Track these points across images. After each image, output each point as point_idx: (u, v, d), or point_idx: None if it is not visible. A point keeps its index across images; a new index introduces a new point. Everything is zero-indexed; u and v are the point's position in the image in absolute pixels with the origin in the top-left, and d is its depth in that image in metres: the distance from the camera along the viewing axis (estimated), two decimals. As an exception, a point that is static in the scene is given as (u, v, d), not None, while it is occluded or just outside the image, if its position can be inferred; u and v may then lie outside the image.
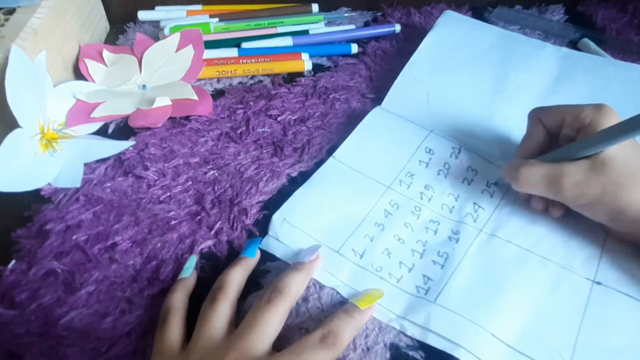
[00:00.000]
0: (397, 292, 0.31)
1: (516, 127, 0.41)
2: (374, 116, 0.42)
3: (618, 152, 0.29)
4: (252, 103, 0.45)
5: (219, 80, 0.48)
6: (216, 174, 0.39)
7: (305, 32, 0.53)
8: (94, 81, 0.45)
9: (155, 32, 0.53)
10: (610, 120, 0.31)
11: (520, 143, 0.36)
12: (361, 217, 0.35)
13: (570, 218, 0.33)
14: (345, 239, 0.33)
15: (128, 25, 0.55)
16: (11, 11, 0.40)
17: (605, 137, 0.29)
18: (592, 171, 0.29)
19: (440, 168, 0.38)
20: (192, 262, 0.32)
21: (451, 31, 0.49)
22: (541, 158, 0.33)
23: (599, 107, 0.31)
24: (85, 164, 0.39)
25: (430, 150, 0.39)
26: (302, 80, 0.48)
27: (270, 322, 0.27)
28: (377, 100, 0.45)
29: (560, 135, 0.33)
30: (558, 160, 0.31)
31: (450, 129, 0.41)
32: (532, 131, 0.35)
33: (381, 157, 0.39)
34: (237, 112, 0.44)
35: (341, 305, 0.30)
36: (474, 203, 0.36)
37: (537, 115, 0.35)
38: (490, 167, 0.38)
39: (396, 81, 0.45)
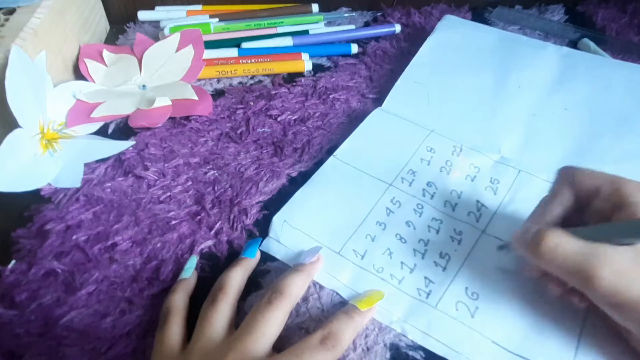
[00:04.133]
0: (398, 294, 0.31)
1: (517, 126, 0.41)
2: (375, 117, 0.42)
3: None
4: (252, 103, 0.45)
5: (219, 80, 0.48)
6: (216, 174, 0.39)
7: (305, 32, 0.53)
8: (94, 81, 0.45)
9: (155, 32, 0.53)
10: None
11: (538, 205, 0.30)
12: (362, 216, 0.35)
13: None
14: (346, 240, 0.33)
15: (128, 25, 0.55)
16: (11, 11, 0.40)
17: None
18: (637, 261, 0.23)
19: (442, 165, 0.38)
20: (192, 262, 0.32)
21: (451, 34, 0.49)
22: (568, 231, 0.26)
23: None
24: (85, 164, 0.39)
25: (431, 149, 0.39)
26: (302, 80, 0.48)
27: (271, 324, 0.27)
28: (377, 100, 0.45)
29: (591, 207, 0.27)
30: (591, 239, 0.25)
31: (451, 128, 0.41)
32: (559, 193, 0.28)
33: (382, 155, 0.39)
34: (237, 112, 0.44)
35: (341, 305, 0.30)
36: (477, 201, 0.36)
37: (568, 177, 0.29)
38: (492, 165, 0.38)
39: (396, 84, 0.45)
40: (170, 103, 0.43)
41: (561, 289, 0.27)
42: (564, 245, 0.24)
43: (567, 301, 0.28)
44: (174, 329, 0.28)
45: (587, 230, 0.26)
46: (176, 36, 0.49)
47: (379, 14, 0.58)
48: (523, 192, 0.36)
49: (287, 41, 0.52)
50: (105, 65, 0.47)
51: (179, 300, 0.29)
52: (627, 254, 0.24)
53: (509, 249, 0.30)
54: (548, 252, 0.25)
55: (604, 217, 0.26)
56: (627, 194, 0.25)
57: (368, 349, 0.28)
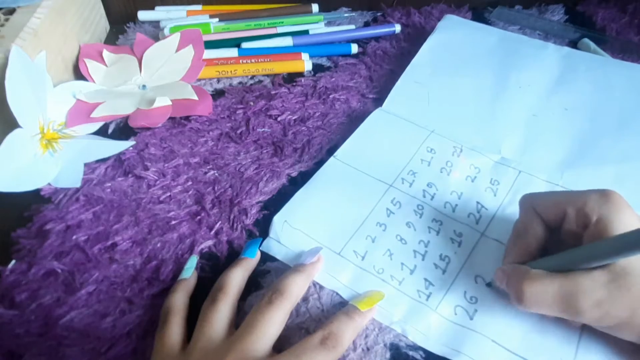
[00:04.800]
0: (398, 295, 0.31)
1: (518, 126, 0.41)
2: (375, 117, 0.42)
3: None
4: (252, 103, 0.45)
5: (219, 80, 0.48)
6: (216, 174, 0.39)
7: (305, 32, 0.53)
8: (94, 81, 0.45)
9: (155, 32, 0.53)
10: (623, 213, 0.25)
11: (512, 238, 0.30)
12: (363, 217, 0.35)
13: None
14: (346, 241, 0.33)
15: (128, 25, 0.55)
16: (11, 11, 0.40)
17: (627, 244, 0.23)
18: (613, 285, 0.24)
19: (442, 166, 0.38)
20: (192, 262, 0.32)
21: (452, 34, 0.49)
22: (543, 262, 0.27)
23: (606, 197, 0.26)
24: (85, 164, 0.39)
25: (431, 149, 0.39)
26: (302, 80, 0.48)
27: (271, 324, 0.27)
28: (377, 100, 0.45)
29: (563, 229, 0.28)
30: (565, 266, 0.26)
31: (451, 129, 0.41)
32: (528, 226, 0.29)
33: (382, 156, 0.39)
34: (237, 112, 0.44)
35: (341, 305, 0.30)
36: (477, 202, 0.36)
37: (530, 206, 0.29)
38: (493, 165, 0.38)
39: (397, 84, 0.45)
40: (170, 103, 0.43)
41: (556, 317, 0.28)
42: (543, 293, 0.25)
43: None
44: (174, 329, 0.28)
45: (562, 257, 0.26)
46: (176, 36, 0.49)
47: (379, 14, 0.58)
48: (523, 193, 0.36)
49: (287, 41, 0.52)
50: (105, 65, 0.47)
51: (179, 300, 0.29)
52: (603, 279, 0.24)
53: (496, 286, 0.30)
54: (532, 303, 0.26)
55: (576, 236, 0.27)
56: (590, 212, 0.26)
57: (368, 349, 0.28)
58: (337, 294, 0.31)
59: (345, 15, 0.56)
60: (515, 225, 0.31)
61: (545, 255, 0.28)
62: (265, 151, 0.41)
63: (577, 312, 0.25)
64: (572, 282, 0.25)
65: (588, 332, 0.28)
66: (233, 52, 0.50)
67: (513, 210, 0.35)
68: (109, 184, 0.38)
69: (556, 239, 0.28)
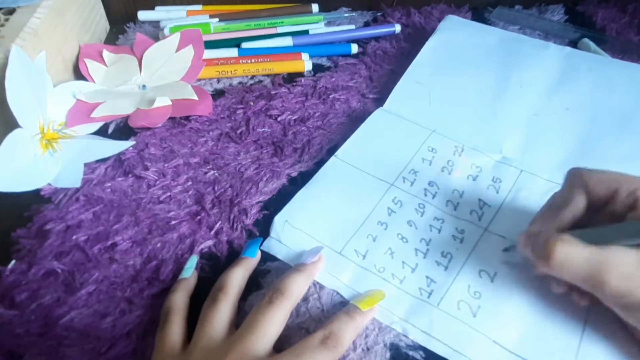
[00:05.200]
0: (399, 294, 0.31)
1: (519, 126, 0.41)
2: (376, 117, 0.42)
3: None
4: (252, 103, 0.45)
5: (219, 80, 0.48)
6: (216, 174, 0.39)
7: (305, 32, 0.53)
8: (94, 81, 0.45)
9: (155, 32, 0.53)
10: None
11: (546, 208, 0.29)
12: (364, 216, 0.35)
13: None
14: (347, 240, 0.33)
15: (128, 25, 0.55)
16: (11, 11, 0.40)
17: None
18: None
19: (444, 165, 0.38)
20: (192, 262, 0.32)
21: (453, 35, 0.49)
22: (577, 234, 0.26)
23: None
24: (85, 164, 0.39)
25: (433, 149, 0.39)
26: (302, 80, 0.48)
27: (271, 323, 0.27)
28: (378, 100, 0.45)
29: (606, 209, 0.27)
30: (601, 241, 0.25)
31: (452, 128, 0.41)
32: (570, 197, 0.28)
33: (384, 155, 0.39)
34: (237, 112, 0.44)
35: (341, 305, 0.30)
36: (479, 199, 0.36)
37: (581, 179, 0.28)
38: (494, 165, 0.38)
39: (398, 84, 0.45)
40: (170, 103, 0.43)
41: (563, 288, 0.27)
42: (573, 255, 0.25)
43: (568, 299, 0.28)
44: (175, 328, 0.28)
45: (596, 231, 0.26)
46: (176, 36, 0.49)
47: (379, 14, 0.58)
48: (525, 192, 0.36)
49: (287, 41, 0.52)
50: (105, 65, 0.47)
51: (179, 300, 0.29)
52: (633, 257, 0.24)
53: (515, 251, 0.29)
54: (559, 264, 0.25)
55: (617, 218, 0.26)
56: None
57: (368, 349, 0.28)
58: (338, 293, 0.31)
59: (345, 15, 0.56)
60: (554, 197, 0.30)
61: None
62: (265, 151, 0.41)
63: (602, 284, 0.24)
64: (605, 254, 0.24)
65: (589, 332, 0.28)
66: (233, 52, 0.50)
67: (516, 206, 0.35)
68: (109, 184, 0.38)
69: (593, 221, 0.28)
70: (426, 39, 0.49)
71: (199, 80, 0.48)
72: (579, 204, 0.27)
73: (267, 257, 0.33)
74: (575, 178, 0.28)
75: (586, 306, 0.28)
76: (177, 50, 0.48)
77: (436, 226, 0.34)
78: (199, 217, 0.35)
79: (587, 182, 0.27)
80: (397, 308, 0.30)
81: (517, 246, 0.29)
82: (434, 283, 0.31)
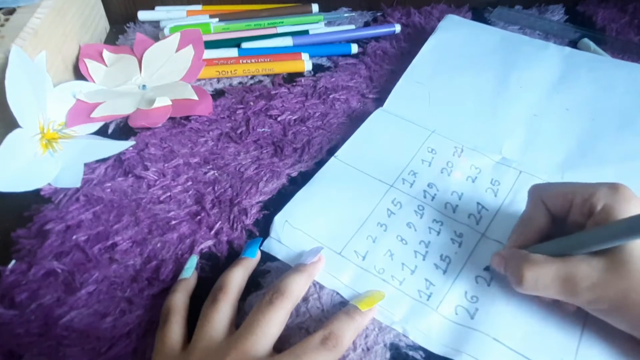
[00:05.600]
0: (399, 295, 0.31)
1: (519, 126, 0.41)
2: (376, 117, 0.42)
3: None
4: (252, 103, 0.45)
5: (219, 80, 0.48)
6: (216, 174, 0.39)
7: (305, 32, 0.53)
8: (94, 81, 0.45)
9: (155, 32, 0.53)
10: (629, 205, 0.26)
11: (516, 226, 0.31)
12: (364, 217, 0.35)
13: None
14: (347, 241, 0.33)
15: (128, 25, 0.55)
16: (11, 11, 0.40)
17: (626, 229, 0.23)
18: (609, 272, 0.25)
19: (443, 167, 0.38)
20: (192, 262, 0.32)
21: (453, 34, 0.49)
22: (544, 247, 0.28)
23: (615, 189, 0.26)
24: (85, 164, 0.39)
25: (432, 150, 0.39)
26: (302, 80, 0.48)
27: (272, 323, 0.27)
28: (378, 100, 0.45)
29: (568, 220, 0.28)
30: (564, 251, 0.26)
31: (452, 129, 0.41)
32: (533, 214, 0.30)
33: (383, 156, 0.39)
34: (237, 112, 0.44)
35: (341, 305, 0.30)
36: (478, 203, 0.36)
37: (538, 195, 0.30)
38: (493, 166, 0.38)
39: (398, 84, 0.45)
40: (170, 103, 0.43)
41: (551, 300, 0.28)
42: (541, 275, 0.26)
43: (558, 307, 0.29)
44: (175, 328, 0.28)
45: (558, 242, 0.27)
46: (176, 36, 0.49)
47: (379, 14, 0.58)
48: (524, 193, 0.35)
49: (287, 41, 0.52)
50: (105, 65, 0.47)
51: (179, 300, 0.29)
52: (600, 264, 0.25)
53: (492, 270, 0.31)
54: (531, 286, 0.27)
55: (580, 227, 0.27)
56: (596, 202, 0.26)
57: (368, 349, 0.28)
58: (338, 293, 0.31)
59: (345, 15, 0.56)
60: (522, 214, 0.31)
61: None
62: (265, 151, 0.41)
63: (573, 294, 0.25)
64: (570, 266, 0.25)
65: (589, 331, 0.28)
66: (233, 52, 0.50)
67: (514, 210, 0.35)
68: (109, 184, 0.38)
69: (561, 232, 0.28)
70: (426, 39, 0.49)
71: (199, 80, 0.48)
72: (541, 219, 0.29)
73: (267, 257, 0.33)
74: (534, 194, 0.30)
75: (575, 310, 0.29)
76: (177, 50, 0.48)
77: (435, 228, 0.34)
78: (199, 217, 0.36)
79: (544, 197, 0.29)
80: (397, 309, 0.30)
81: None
82: (433, 286, 0.31)
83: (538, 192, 0.30)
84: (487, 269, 0.31)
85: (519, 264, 0.27)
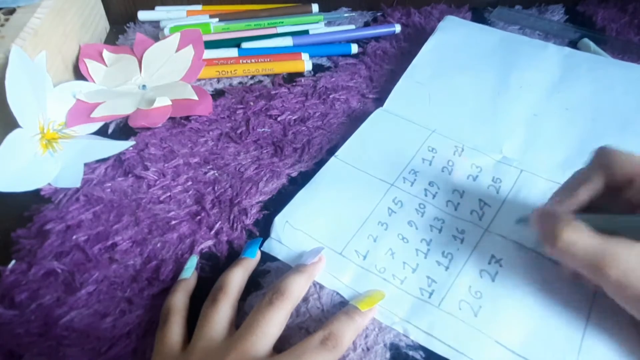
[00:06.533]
0: (400, 294, 0.31)
1: (519, 126, 0.41)
2: (376, 117, 0.42)
3: None
4: (252, 103, 0.45)
5: (219, 80, 0.48)
6: (216, 174, 0.39)
7: (305, 32, 0.53)
8: (94, 81, 0.45)
9: (155, 32, 0.53)
10: None
11: (566, 183, 0.29)
12: (364, 216, 0.35)
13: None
14: (348, 240, 0.33)
15: (128, 25, 0.55)
16: (11, 11, 0.40)
17: None
18: None
19: (444, 165, 0.38)
20: (192, 262, 0.32)
21: (453, 35, 0.49)
22: (589, 217, 0.26)
23: None
24: (85, 164, 0.39)
25: (433, 149, 0.39)
26: (302, 80, 0.48)
27: (272, 324, 0.27)
28: (378, 100, 0.45)
29: (624, 195, 0.26)
30: (611, 230, 0.25)
31: (453, 128, 0.41)
32: (589, 176, 0.27)
33: (384, 155, 0.39)
34: (237, 112, 0.44)
35: (341, 305, 0.30)
36: (480, 200, 0.35)
37: (603, 160, 0.27)
38: (494, 165, 0.38)
39: (398, 84, 0.45)
40: (170, 103, 0.43)
41: (573, 274, 0.27)
42: (578, 243, 0.25)
43: (576, 285, 0.28)
44: (175, 329, 0.28)
45: (607, 219, 0.26)
46: (176, 36, 0.49)
47: (379, 14, 0.58)
48: (525, 192, 0.36)
49: (287, 41, 0.52)
50: (105, 65, 0.47)
51: (179, 300, 0.29)
52: (637, 251, 0.24)
53: (527, 224, 0.29)
54: (563, 249, 0.25)
55: (633, 206, 0.26)
56: None
57: (368, 349, 0.28)
58: (338, 293, 0.31)
59: (345, 15, 0.56)
60: (575, 173, 0.29)
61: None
62: (265, 151, 0.41)
63: (603, 275, 0.24)
64: (610, 245, 0.24)
65: (591, 332, 0.28)
66: (233, 52, 0.50)
67: (517, 206, 0.35)
68: (109, 184, 0.38)
69: (609, 205, 0.27)
70: (426, 39, 0.49)
71: (199, 80, 0.48)
72: (597, 183, 0.27)
73: (267, 257, 0.33)
74: (601, 156, 0.28)
75: (589, 305, 0.28)
76: (177, 50, 0.48)
77: (437, 226, 0.34)
78: (199, 217, 0.36)
79: (610, 162, 0.27)
80: (398, 308, 0.30)
81: (529, 219, 0.28)
82: (435, 283, 0.31)
83: (603, 156, 0.27)
84: (519, 221, 0.30)
85: (558, 223, 0.25)
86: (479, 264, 0.32)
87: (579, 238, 0.25)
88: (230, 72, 0.48)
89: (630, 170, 0.26)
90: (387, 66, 0.50)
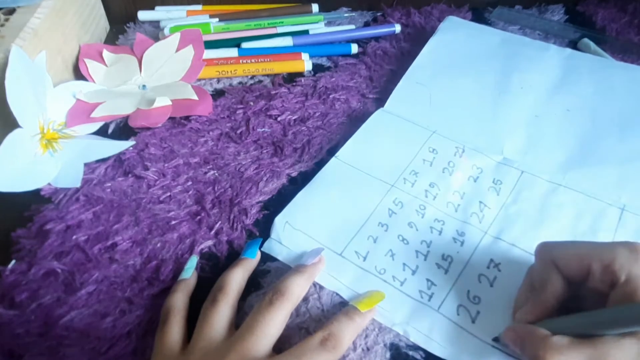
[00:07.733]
0: (400, 296, 0.31)
1: (520, 127, 0.41)
2: (377, 118, 0.42)
3: None
4: (252, 103, 0.45)
5: (219, 80, 0.48)
6: (216, 174, 0.39)
7: (305, 32, 0.53)
8: (94, 81, 0.45)
9: (155, 32, 0.53)
10: None
11: (525, 290, 0.28)
12: (365, 217, 0.35)
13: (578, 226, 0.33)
14: (348, 241, 0.33)
15: (128, 25, 0.55)
16: (11, 11, 0.40)
17: None
18: None
19: (444, 166, 0.38)
20: (192, 262, 0.32)
21: (453, 35, 0.49)
22: (563, 323, 0.24)
23: (636, 253, 0.24)
24: (85, 164, 0.39)
25: (434, 150, 0.39)
26: (302, 80, 0.48)
27: (271, 324, 0.27)
28: (377, 100, 0.45)
29: (586, 287, 0.25)
30: (589, 330, 0.23)
31: (453, 129, 0.41)
32: (546, 279, 0.26)
33: (384, 156, 0.39)
34: (237, 112, 0.44)
35: (341, 305, 0.30)
36: (480, 202, 0.35)
37: (549, 257, 0.27)
38: (495, 166, 0.38)
39: (398, 85, 0.45)
40: (170, 103, 0.43)
41: None
42: (568, 358, 0.23)
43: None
44: (175, 329, 0.28)
45: (586, 319, 0.24)
46: (176, 36, 0.49)
47: (379, 14, 0.58)
48: (526, 193, 0.36)
49: (287, 41, 0.52)
50: (105, 65, 0.47)
51: (179, 300, 0.29)
52: (634, 349, 0.22)
53: (505, 345, 0.27)
54: None
55: (601, 294, 0.25)
56: (618, 270, 0.24)
57: (368, 349, 0.28)
58: (337, 294, 0.31)
59: (345, 15, 0.56)
60: (530, 274, 0.29)
61: (562, 310, 0.25)
62: (265, 151, 0.41)
63: None
64: (600, 351, 0.22)
65: None
66: (233, 52, 0.50)
67: (517, 209, 0.35)
68: (109, 184, 0.38)
69: (576, 294, 0.26)
70: (426, 39, 0.49)
71: (199, 80, 0.48)
72: (556, 285, 0.26)
73: (267, 257, 0.33)
74: (544, 255, 0.27)
75: None
76: (177, 50, 0.48)
77: (437, 228, 0.34)
78: (199, 217, 0.35)
79: (557, 261, 0.26)
80: (398, 310, 0.30)
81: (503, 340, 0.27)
82: (435, 286, 0.31)
83: (548, 254, 0.27)
84: (496, 339, 0.28)
85: (538, 348, 0.23)
86: (477, 269, 0.32)
87: (565, 356, 0.23)
88: (230, 72, 0.48)
89: (582, 262, 0.25)
90: (387, 66, 0.50)
